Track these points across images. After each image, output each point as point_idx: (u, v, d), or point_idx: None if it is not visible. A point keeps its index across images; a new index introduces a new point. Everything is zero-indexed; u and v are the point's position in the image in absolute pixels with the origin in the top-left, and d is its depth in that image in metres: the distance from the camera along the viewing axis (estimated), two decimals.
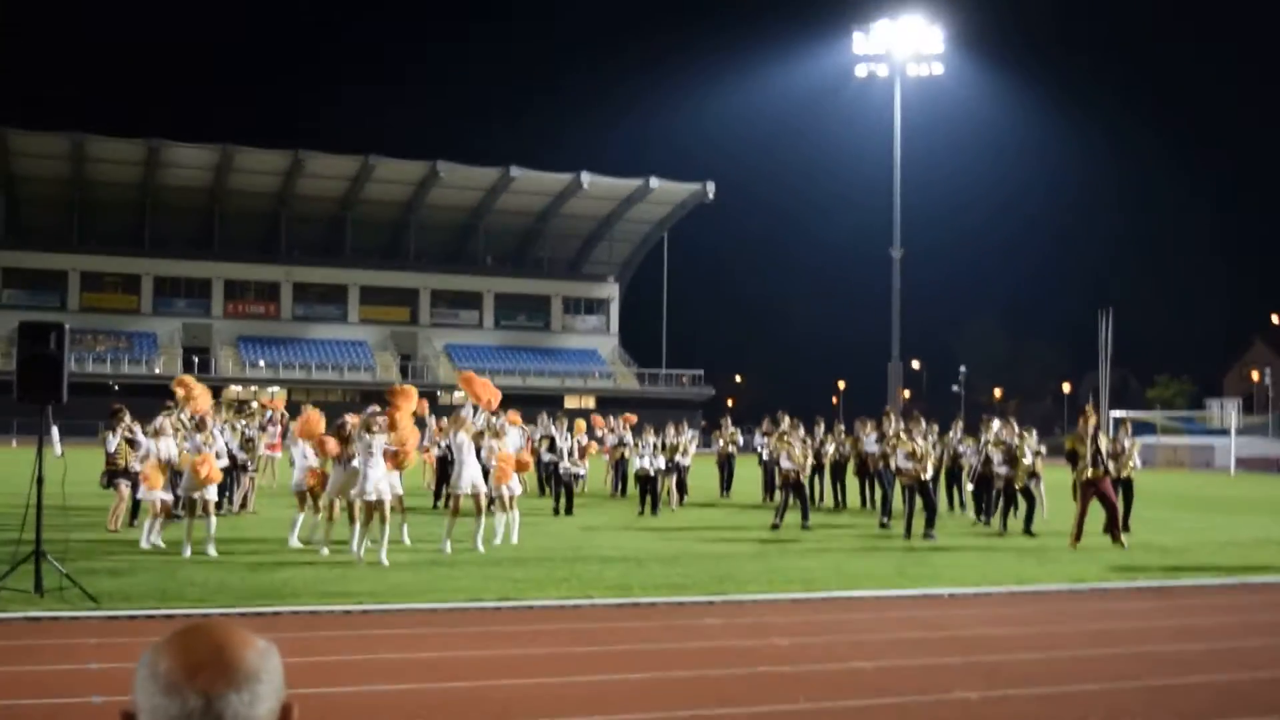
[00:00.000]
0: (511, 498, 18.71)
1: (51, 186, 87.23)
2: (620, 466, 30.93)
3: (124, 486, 19.46)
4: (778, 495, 23.49)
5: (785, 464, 22.76)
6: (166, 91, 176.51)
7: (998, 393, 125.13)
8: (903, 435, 21.60)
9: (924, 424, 21.77)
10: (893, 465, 22.02)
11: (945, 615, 12.88)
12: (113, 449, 19.55)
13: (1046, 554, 18.76)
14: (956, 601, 13.94)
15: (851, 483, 28.69)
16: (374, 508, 15.96)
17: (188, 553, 16.14)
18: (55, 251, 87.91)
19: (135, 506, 19.97)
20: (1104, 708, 8.52)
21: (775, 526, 21.99)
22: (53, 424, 18.07)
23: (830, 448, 28.66)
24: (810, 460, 23.43)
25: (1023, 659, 10.34)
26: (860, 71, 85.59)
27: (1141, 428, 66.87)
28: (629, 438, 29.97)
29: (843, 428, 29.89)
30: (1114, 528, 19.91)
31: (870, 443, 25.14)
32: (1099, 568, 16.99)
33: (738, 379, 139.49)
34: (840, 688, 9.05)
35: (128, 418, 19.86)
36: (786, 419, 26.30)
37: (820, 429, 29.52)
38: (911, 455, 20.99)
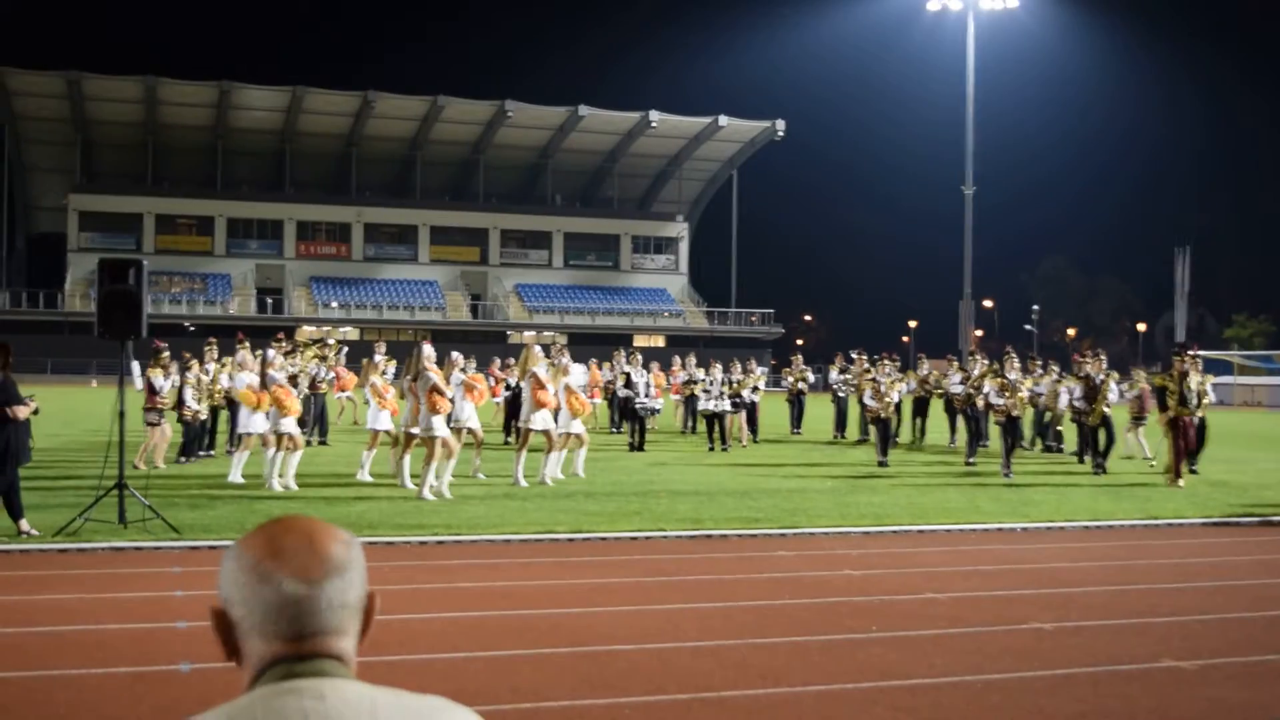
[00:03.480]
0: (573, 435, 18.69)
1: (125, 130, 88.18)
2: (690, 403, 31.04)
3: (164, 424, 19.79)
4: (866, 430, 23.84)
5: (870, 402, 22.83)
6: (235, 34, 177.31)
7: (1071, 332, 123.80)
8: (995, 372, 21.57)
9: (1016, 360, 21.69)
10: (980, 402, 22.05)
11: (1019, 549, 12.84)
12: (165, 388, 19.80)
13: (1121, 490, 18.63)
14: (1030, 535, 13.89)
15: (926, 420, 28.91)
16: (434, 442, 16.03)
17: (272, 485, 16.39)
18: (130, 194, 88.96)
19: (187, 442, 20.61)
20: (1179, 639, 8.47)
21: (882, 464, 22.14)
22: (133, 360, 18.39)
23: (903, 385, 28.78)
24: (893, 398, 23.35)
25: (1097, 591, 10.29)
26: (933, 5, 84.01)
27: (1219, 367, 66.02)
28: (699, 374, 30.02)
29: (927, 367, 29.83)
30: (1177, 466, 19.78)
31: (955, 383, 25.13)
32: (1174, 504, 16.86)
33: (807, 318, 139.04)
34: (913, 618, 9.05)
35: (167, 357, 20.24)
36: (859, 356, 26.35)
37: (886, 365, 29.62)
38: (1003, 390, 20.89)
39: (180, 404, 20.28)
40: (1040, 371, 27.00)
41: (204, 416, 21.10)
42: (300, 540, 1.80)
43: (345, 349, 26.07)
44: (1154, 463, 22.99)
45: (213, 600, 1.82)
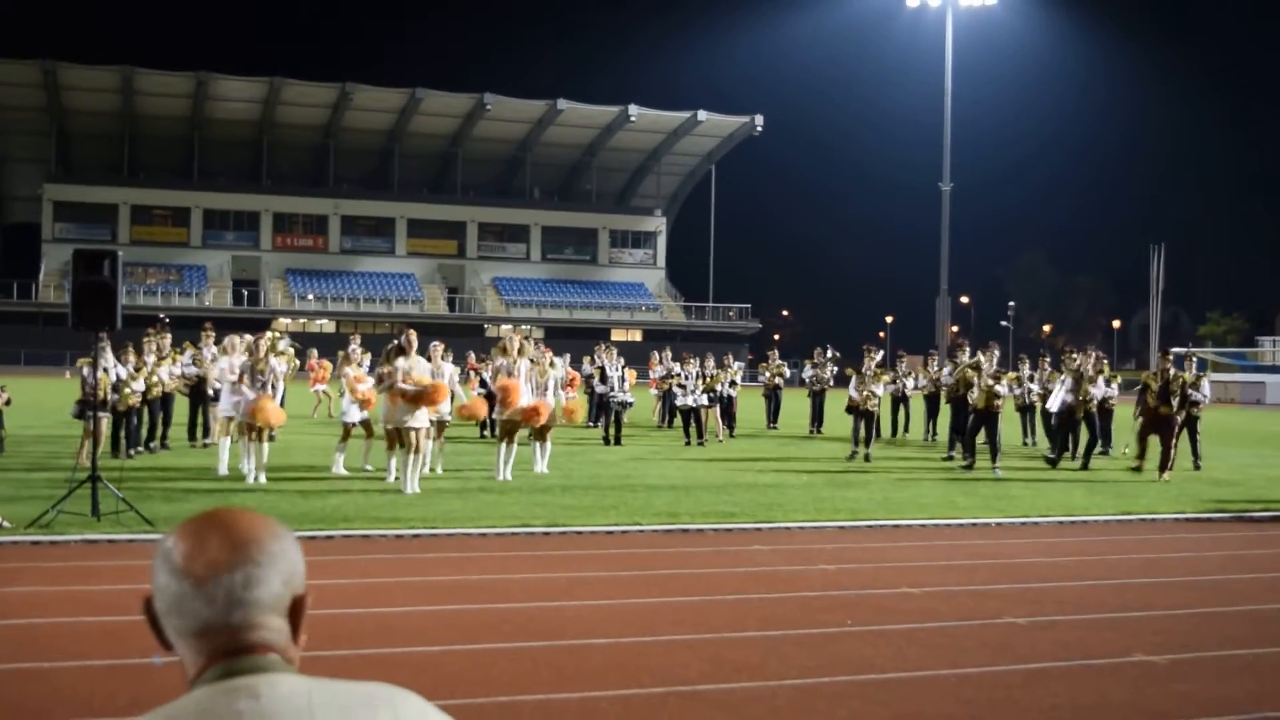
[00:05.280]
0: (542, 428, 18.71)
1: (101, 120, 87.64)
2: (668, 398, 31.06)
3: (102, 419, 18.79)
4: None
5: (852, 393, 22.92)
6: (213, 24, 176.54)
7: (1046, 328, 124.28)
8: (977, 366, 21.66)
9: (996, 354, 21.81)
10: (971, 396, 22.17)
11: (993, 544, 12.89)
12: (94, 379, 18.94)
13: (1095, 485, 18.73)
14: (1004, 530, 13.95)
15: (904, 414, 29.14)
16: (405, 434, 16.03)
17: (254, 478, 16.32)
18: (106, 185, 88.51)
19: (115, 437, 19.59)
20: (1150, 634, 8.52)
21: (852, 456, 22.61)
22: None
23: (909, 381, 29.09)
24: (879, 394, 23.44)
25: (1071, 586, 10.34)
26: (912, 1, 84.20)
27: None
28: (677, 369, 30.02)
29: (937, 362, 29.89)
30: (1164, 464, 20.07)
31: (946, 375, 25.27)
32: (1148, 499, 16.94)
33: (784, 313, 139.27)
34: (887, 612, 9.08)
35: (108, 349, 19.49)
36: (869, 350, 26.58)
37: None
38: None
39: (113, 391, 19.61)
40: (1047, 369, 26.78)
41: (134, 403, 19.94)
42: (217, 532, 1.75)
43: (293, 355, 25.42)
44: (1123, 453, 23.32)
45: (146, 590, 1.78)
